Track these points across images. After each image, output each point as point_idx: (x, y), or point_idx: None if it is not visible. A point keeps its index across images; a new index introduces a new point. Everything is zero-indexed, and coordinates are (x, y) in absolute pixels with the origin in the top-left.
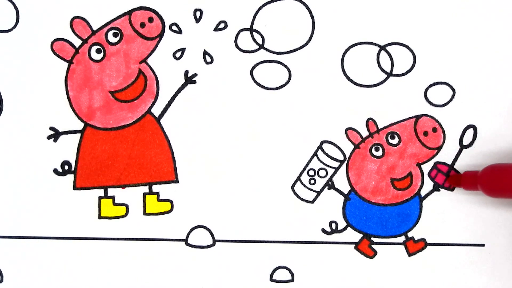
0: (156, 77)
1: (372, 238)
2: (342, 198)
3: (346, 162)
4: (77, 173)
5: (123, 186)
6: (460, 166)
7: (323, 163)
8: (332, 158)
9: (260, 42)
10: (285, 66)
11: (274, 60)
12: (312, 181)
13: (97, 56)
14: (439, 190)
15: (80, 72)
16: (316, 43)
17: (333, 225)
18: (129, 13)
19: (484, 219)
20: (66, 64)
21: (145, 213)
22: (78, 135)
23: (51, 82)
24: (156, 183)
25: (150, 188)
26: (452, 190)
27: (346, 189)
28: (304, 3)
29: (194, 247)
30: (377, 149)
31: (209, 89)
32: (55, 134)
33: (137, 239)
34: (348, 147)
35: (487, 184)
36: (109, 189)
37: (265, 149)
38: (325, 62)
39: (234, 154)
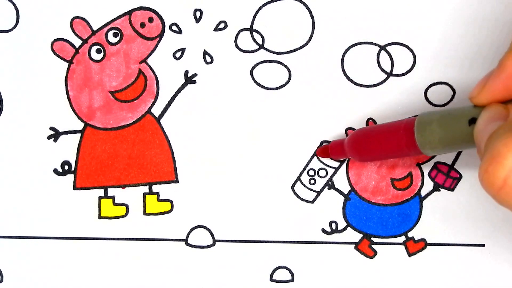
0: (156, 77)
1: (372, 238)
2: (342, 198)
3: (346, 162)
4: (77, 173)
5: (123, 186)
6: (460, 166)
7: (323, 163)
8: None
9: (260, 42)
10: (285, 66)
11: (274, 60)
12: (312, 181)
13: (97, 56)
14: (439, 190)
15: (80, 72)
16: (316, 43)
17: (333, 225)
18: (129, 13)
19: (484, 219)
20: (66, 64)
21: (145, 213)
22: (78, 135)
23: (51, 82)
24: (156, 183)
25: (150, 188)
26: (452, 190)
27: (346, 189)
28: (304, 3)
29: (194, 247)
30: None
31: (209, 89)
32: (55, 134)
33: (137, 239)
34: None
35: (354, 149)
36: (109, 189)
37: (265, 149)
38: (325, 62)
39: (234, 154)
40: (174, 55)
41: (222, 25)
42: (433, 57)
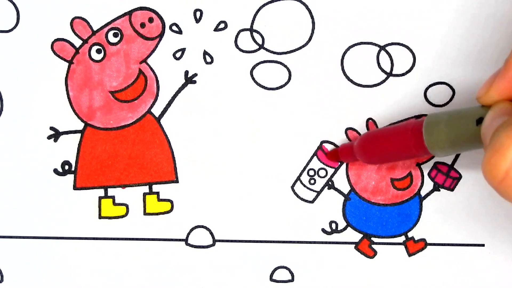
0: (156, 77)
1: (372, 238)
2: (342, 198)
3: (346, 162)
4: (77, 173)
5: (123, 186)
6: (460, 166)
7: (323, 163)
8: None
9: (260, 42)
10: (285, 66)
11: (274, 60)
12: (312, 181)
13: (97, 56)
14: (439, 190)
15: (80, 72)
16: (316, 43)
17: (333, 225)
18: (129, 13)
19: (484, 219)
20: (67, 64)
21: (145, 213)
22: (78, 135)
23: (52, 82)
24: (156, 183)
25: (150, 188)
26: (452, 190)
27: (346, 189)
28: (304, 3)
29: (194, 247)
30: None
31: (209, 89)
32: (55, 134)
33: (137, 239)
34: None
35: (363, 152)
36: (109, 189)
37: (265, 149)
38: (325, 62)
39: (234, 154)
40: (174, 55)
41: (222, 25)
42: (433, 57)
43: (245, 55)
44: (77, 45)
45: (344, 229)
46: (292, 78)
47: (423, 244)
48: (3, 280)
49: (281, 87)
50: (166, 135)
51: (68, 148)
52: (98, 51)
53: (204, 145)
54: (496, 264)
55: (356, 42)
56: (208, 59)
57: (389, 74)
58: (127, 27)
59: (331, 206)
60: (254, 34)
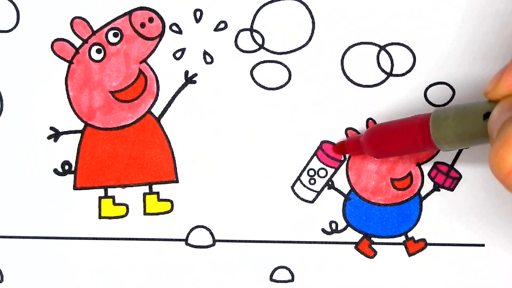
0: (156, 77)
1: (372, 238)
2: (342, 198)
3: (346, 162)
4: (77, 173)
5: (123, 186)
6: (460, 166)
7: (323, 163)
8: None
9: (260, 42)
10: (285, 66)
11: (274, 60)
12: (312, 181)
13: (97, 56)
14: (439, 190)
15: (80, 72)
16: (316, 43)
17: (333, 225)
18: (129, 13)
19: (484, 219)
20: (67, 64)
21: (145, 213)
22: (78, 135)
23: (52, 82)
24: (156, 183)
25: (150, 188)
26: (452, 190)
27: (346, 189)
28: (304, 3)
29: (194, 247)
30: None
31: (209, 89)
32: (55, 134)
33: (137, 239)
34: None
35: (370, 146)
36: (109, 189)
37: (265, 149)
38: (325, 62)
39: (234, 154)
40: (174, 55)
41: (222, 25)
42: (433, 57)
43: (245, 55)
44: (77, 45)
45: (344, 229)
46: (292, 78)
47: (423, 244)
48: (3, 280)
49: (281, 87)
50: (166, 135)
51: (68, 148)
52: (98, 51)
53: (204, 145)
54: (496, 264)
55: (356, 42)
56: (208, 59)
57: (389, 74)
58: (127, 27)
59: (331, 206)
60: (254, 34)
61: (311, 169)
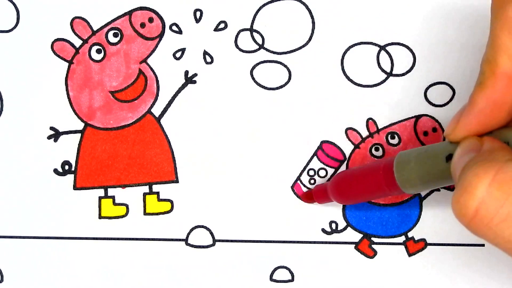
0: (156, 77)
1: (372, 238)
2: None
3: (346, 162)
4: (77, 173)
5: (123, 186)
6: None
7: (323, 163)
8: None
9: (260, 42)
10: (285, 66)
11: (274, 60)
12: (312, 181)
13: (97, 56)
14: (439, 190)
15: (80, 72)
16: (316, 43)
17: (333, 225)
18: (129, 13)
19: None
20: (67, 64)
21: (145, 213)
22: (78, 135)
23: (52, 82)
24: (156, 183)
25: (150, 188)
26: (452, 190)
27: None
28: (304, 3)
29: (194, 247)
30: (377, 149)
31: (209, 89)
32: (55, 134)
33: (137, 239)
34: (348, 147)
35: (337, 193)
36: (109, 189)
37: (265, 149)
38: (325, 62)
39: (234, 154)
40: (174, 55)
41: (222, 25)
42: (433, 57)
43: (245, 55)
44: (77, 45)
45: (344, 229)
46: (292, 78)
47: (423, 244)
48: (3, 280)
49: (281, 87)
50: (166, 135)
51: (68, 148)
52: (98, 51)
53: (204, 145)
54: (496, 264)
55: (356, 42)
56: (208, 59)
57: (389, 74)
58: (127, 27)
59: (331, 206)
60: (254, 34)
61: (311, 169)
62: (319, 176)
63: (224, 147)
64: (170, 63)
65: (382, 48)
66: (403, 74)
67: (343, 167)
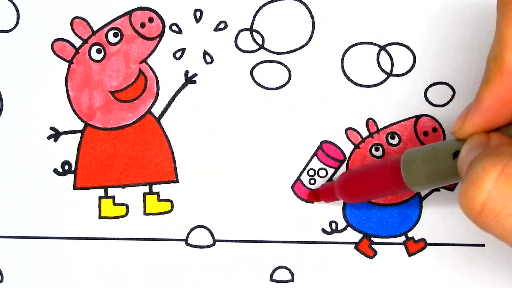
0: (156, 77)
1: (372, 238)
2: None
3: (346, 162)
4: (77, 173)
5: (123, 186)
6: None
7: (323, 163)
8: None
9: (260, 42)
10: (285, 66)
11: (274, 60)
12: (312, 181)
13: (97, 56)
14: (439, 190)
15: (80, 72)
16: (316, 43)
17: (333, 225)
18: (129, 13)
19: None
20: (67, 64)
21: (145, 213)
22: (78, 135)
23: (52, 82)
24: (156, 183)
25: (150, 188)
26: (452, 190)
27: None
28: (304, 3)
29: (194, 247)
30: (377, 149)
31: (209, 89)
32: (55, 134)
33: (137, 239)
34: (348, 147)
35: (344, 192)
36: (109, 189)
37: (265, 149)
38: (325, 62)
39: (234, 154)
40: (174, 55)
41: (222, 25)
42: (433, 57)
43: (245, 55)
44: (77, 45)
45: (344, 229)
46: (292, 78)
47: (423, 244)
48: (3, 280)
49: (281, 87)
50: (166, 135)
51: (68, 148)
52: (98, 51)
53: (204, 145)
54: (496, 264)
55: (356, 42)
56: (208, 59)
57: (389, 74)
58: (127, 27)
59: (331, 206)
60: (254, 34)
61: (311, 169)
62: (319, 176)
63: (224, 147)
64: (170, 63)
65: (382, 48)
66: (403, 74)
67: (343, 167)
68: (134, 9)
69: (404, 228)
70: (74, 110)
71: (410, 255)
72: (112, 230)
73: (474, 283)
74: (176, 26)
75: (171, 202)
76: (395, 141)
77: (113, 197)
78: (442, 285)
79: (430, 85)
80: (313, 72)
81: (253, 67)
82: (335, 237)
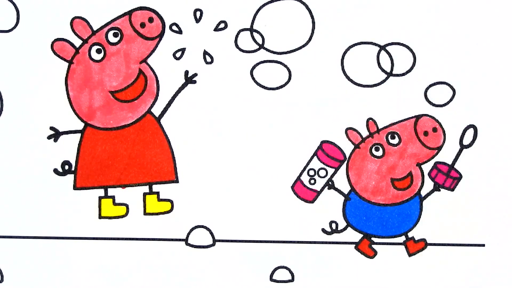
0: (156, 77)
1: (372, 238)
2: (342, 198)
3: (346, 162)
4: (77, 173)
5: (123, 186)
6: (460, 166)
7: (323, 163)
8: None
9: (260, 42)
10: (285, 66)
11: (274, 60)
12: (312, 181)
13: (97, 56)
14: (439, 190)
15: (80, 72)
16: (316, 43)
17: (333, 225)
18: (129, 13)
19: (484, 219)
20: (67, 64)
21: (145, 213)
22: (78, 135)
23: (52, 82)
24: (156, 183)
25: (150, 188)
26: (452, 190)
27: (346, 189)
28: (304, 3)
29: (194, 247)
30: (377, 149)
31: (209, 89)
32: (55, 134)
33: (137, 239)
34: (348, 147)
35: None
36: (109, 189)
37: (265, 149)
38: (325, 62)
39: (234, 154)
40: (174, 55)
41: (222, 25)
42: (433, 57)
43: (245, 55)
44: (77, 45)
45: (344, 229)
46: (292, 78)
47: (423, 244)
48: (3, 280)
49: (281, 87)
50: (166, 135)
51: (68, 148)
52: (98, 51)
53: (204, 145)
54: (496, 264)
55: (356, 42)
56: (208, 59)
57: (389, 74)
58: (127, 27)
59: (331, 206)
60: (254, 34)
61: (311, 169)
62: (319, 176)
63: (224, 147)
64: (170, 63)
65: (382, 48)
66: (403, 74)
67: (343, 167)
68: (134, 9)
69: (404, 228)
70: (74, 110)
71: (410, 255)
72: (112, 230)
73: (474, 283)
74: (176, 26)
75: (171, 202)
76: (395, 141)
77: (113, 197)
78: (442, 285)
79: (430, 85)
80: (313, 72)
81: (253, 67)
82: (335, 237)
